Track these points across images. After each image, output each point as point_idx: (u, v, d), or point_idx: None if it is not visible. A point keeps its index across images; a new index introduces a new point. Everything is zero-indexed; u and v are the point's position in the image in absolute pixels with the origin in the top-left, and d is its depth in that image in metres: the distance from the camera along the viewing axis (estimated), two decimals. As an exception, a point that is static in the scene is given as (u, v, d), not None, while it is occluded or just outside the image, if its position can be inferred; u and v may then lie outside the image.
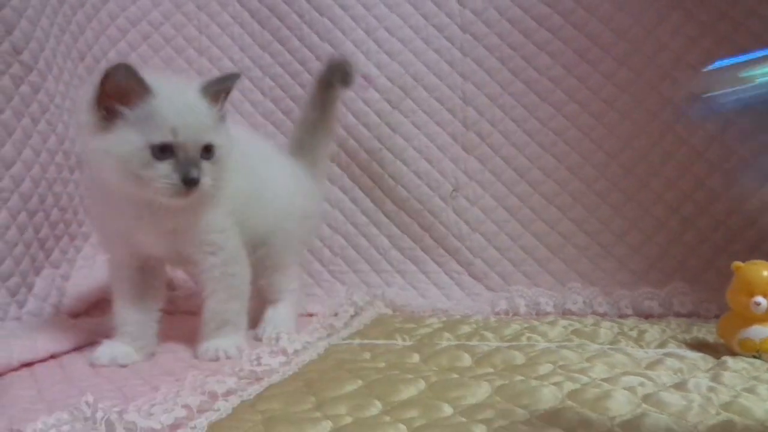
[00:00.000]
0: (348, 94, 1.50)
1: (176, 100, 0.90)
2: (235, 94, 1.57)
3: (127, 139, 0.87)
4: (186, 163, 0.89)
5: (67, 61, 1.36)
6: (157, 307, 1.07)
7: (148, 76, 0.89)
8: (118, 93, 0.87)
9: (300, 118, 1.35)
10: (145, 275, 1.05)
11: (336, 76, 1.27)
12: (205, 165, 0.92)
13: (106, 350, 1.01)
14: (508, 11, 1.46)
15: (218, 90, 0.96)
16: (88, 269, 1.41)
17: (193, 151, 0.90)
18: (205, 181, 0.91)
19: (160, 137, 0.87)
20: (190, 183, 0.89)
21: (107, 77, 0.86)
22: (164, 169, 0.88)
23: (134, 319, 1.03)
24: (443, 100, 1.49)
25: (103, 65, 1.40)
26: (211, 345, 1.02)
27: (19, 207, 1.18)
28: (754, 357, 0.88)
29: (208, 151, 0.93)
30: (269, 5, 1.57)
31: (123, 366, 0.98)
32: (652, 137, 1.37)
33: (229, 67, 1.59)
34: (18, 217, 1.18)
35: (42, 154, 1.24)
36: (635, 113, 1.38)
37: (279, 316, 1.16)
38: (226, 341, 1.02)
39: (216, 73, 1.56)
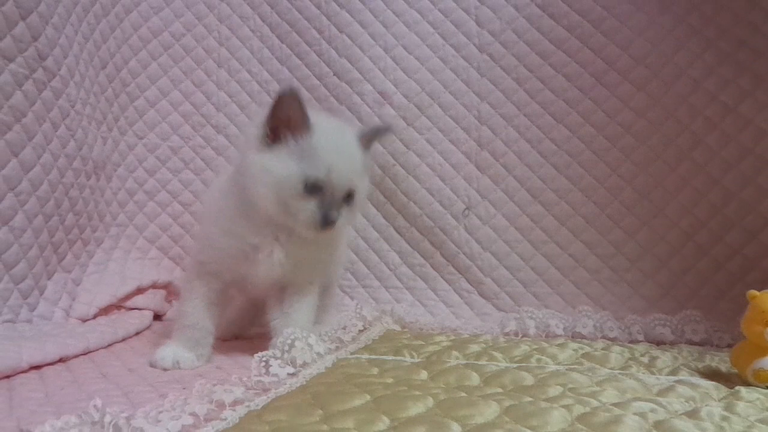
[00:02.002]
0: (364, 110, 1.52)
1: (335, 141, 0.97)
2: (252, 108, 1.60)
3: (286, 165, 0.94)
4: (330, 204, 0.96)
5: (89, 68, 1.38)
6: (218, 320, 1.09)
7: (311, 111, 0.96)
8: (286, 119, 0.94)
9: None
10: (219, 290, 1.08)
11: None
12: (344, 209, 0.99)
13: (169, 353, 1.03)
14: (526, 33, 1.47)
15: (371, 139, 1.05)
16: (100, 275, 1.42)
17: (339, 194, 0.97)
18: (340, 223, 0.98)
19: (315, 173, 0.94)
20: (329, 224, 0.96)
21: (279, 101, 0.93)
22: (311, 205, 0.96)
23: (202, 327, 1.05)
24: (458, 118, 1.50)
25: (124, 73, 1.42)
26: None
27: (35, 210, 1.19)
28: (768, 388, 0.86)
29: (350, 196, 1.00)
30: (289, 20, 1.59)
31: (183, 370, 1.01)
32: (668, 163, 1.37)
33: (246, 79, 1.61)
34: (34, 220, 1.19)
35: (60, 158, 1.26)
36: (651, 139, 1.38)
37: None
38: None
39: (235, 86, 1.60)
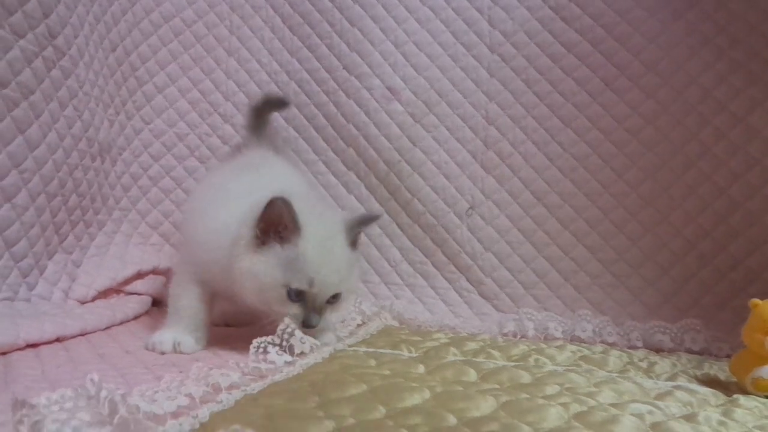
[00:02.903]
0: (372, 105, 1.52)
1: (321, 251, 0.97)
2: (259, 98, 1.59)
3: (272, 272, 0.96)
4: (312, 311, 0.98)
5: (99, 50, 1.38)
6: (213, 310, 1.11)
7: (301, 208, 0.96)
8: (276, 224, 0.96)
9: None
10: (212, 291, 1.08)
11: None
12: (328, 309, 1.01)
13: (168, 336, 1.03)
14: (538, 35, 1.46)
15: (359, 230, 1.05)
16: (100, 258, 1.42)
17: (321, 300, 0.99)
18: (324, 326, 1.01)
19: (298, 284, 0.96)
20: (309, 327, 0.98)
21: (271, 206, 0.94)
22: (293, 309, 0.97)
23: (198, 316, 1.06)
24: (466, 117, 1.49)
25: (134, 57, 1.43)
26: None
27: (39, 189, 1.19)
28: (767, 397, 0.86)
29: (334, 297, 1.01)
30: (301, 12, 1.59)
31: (183, 354, 1.02)
32: (674, 171, 1.36)
33: (256, 69, 1.60)
34: (37, 199, 1.19)
35: (66, 138, 1.26)
36: (659, 146, 1.37)
37: None
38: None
39: (244, 75, 1.60)
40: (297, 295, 0.97)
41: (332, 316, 1.03)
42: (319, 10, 1.58)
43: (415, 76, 1.52)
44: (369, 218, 1.11)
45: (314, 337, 1.00)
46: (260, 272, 0.96)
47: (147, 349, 1.04)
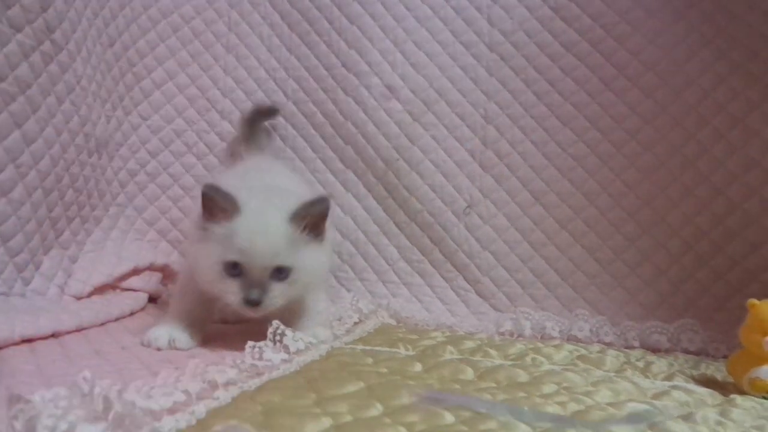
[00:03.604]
0: (370, 103, 1.51)
1: (255, 223, 0.98)
2: (258, 95, 1.59)
3: (209, 252, 0.98)
4: (251, 283, 0.97)
5: (97, 45, 1.37)
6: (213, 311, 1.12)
7: (244, 195, 0.99)
8: (209, 210, 0.98)
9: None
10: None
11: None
12: (276, 285, 0.99)
13: (163, 332, 1.03)
14: (538, 35, 1.46)
15: (305, 215, 1.01)
16: (97, 254, 1.41)
17: (260, 273, 0.98)
18: (272, 300, 0.98)
19: (231, 255, 0.97)
20: (250, 303, 0.97)
21: (202, 197, 0.98)
22: (233, 285, 0.98)
23: (197, 314, 1.07)
24: (465, 116, 1.49)
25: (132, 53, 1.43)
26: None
27: (35, 184, 1.18)
28: (764, 398, 0.86)
29: (280, 272, 0.99)
30: (300, 9, 1.59)
31: (179, 350, 1.02)
32: (672, 171, 1.36)
33: (254, 66, 1.60)
34: (33, 194, 1.18)
35: (63, 133, 1.25)
36: (657, 146, 1.37)
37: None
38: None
39: (242, 72, 1.59)
40: (234, 269, 0.97)
41: (288, 291, 1.00)
42: (318, 7, 1.57)
43: (413, 75, 1.51)
44: (317, 201, 1.03)
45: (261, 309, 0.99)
46: (200, 254, 1.00)
47: (143, 344, 1.03)
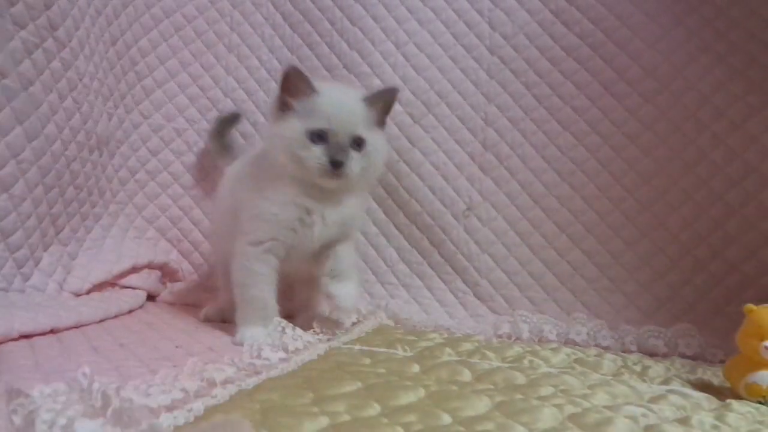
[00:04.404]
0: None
1: (335, 98, 1.09)
2: (260, 95, 1.60)
3: (292, 126, 1.06)
4: (335, 148, 1.05)
5: (99, 43, 1.37)
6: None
7: (318, 81, 1.08)
8: (290, 90, 1.07)
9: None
10: (276, 268, 1.12)
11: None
12: (354, 155, 1.07)
13: (248, 334, 1.06)
14: (538, 38, 1.47)
15: (377, 100, 1.12)
16: (96, 251, 1.42)
17: (344, 139, 1.06)
18: (352, 167, 1.06)
19: (316, 123, 1.05)
20: (336, 165, 1.04)
21: (284, 76, 1.07)
22: (317, 151, 1.05)
23: (271, 306, 1.10)
24: (465, 119, 1.49)
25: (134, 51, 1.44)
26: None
27: (36, 180, 1.19)
28: (760, 403, 0.86)
29: (358, 144, 1.08)
30: (302, 10, 1.59)
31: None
32: (671, 176, 1.36)
33: (256, 66, 1.60)
34: (34, 190, 1.19)
35: (65, 130, 1.25)
36: (656, 151, 1.37)
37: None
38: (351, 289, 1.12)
39: (244, 72, 1.60)
40: (318, 137, 1.05)
41: (362, 163, 1.07)
42: (320, 8, 1.58)
43: (415, 77, 1.52)
44: (384, 91, 1.15)
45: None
46: (283, 129, 1.07)
47: (235, 344, 1.06)
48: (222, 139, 1.51)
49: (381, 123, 1.14)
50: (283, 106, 1.08)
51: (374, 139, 1.11)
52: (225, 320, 1.26)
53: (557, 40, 1.46)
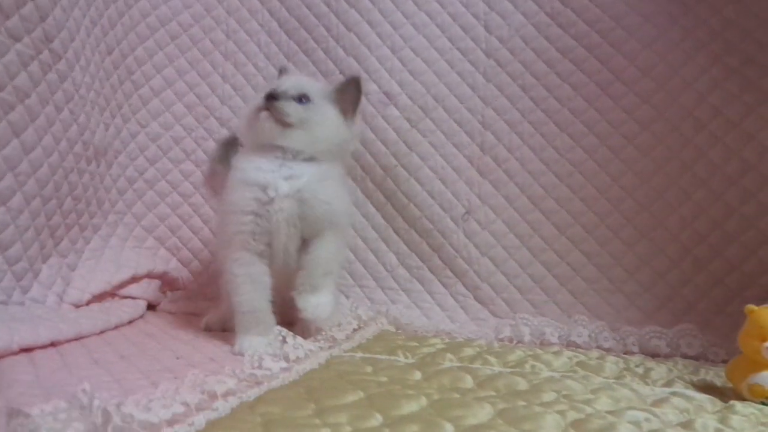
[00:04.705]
0: (368, 110, 1.52)
1: (293, 75, 1.22)
2: (257, 100, 1.59)
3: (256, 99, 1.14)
4: (273, 90, 1.09)
5: (95, 53, 1.37)
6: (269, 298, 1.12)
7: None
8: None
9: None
10: (258, 268, 1.11)
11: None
12: (293, 103, 1.10)
13: (246, 344, 1.05)
14: (534, 41, 1.46)
15: (340, 88, 1.16)
16: (95, 261, 1.41)
17: (285, 89, 1.10)
18: (287, 107, 1.08)
19: (268, 88, 1.11)
20: (269, 98, 1.08)
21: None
22: (259, 98, 1.11)
23: (260, 309, 1.09)
24: (462, 122, 1.49)
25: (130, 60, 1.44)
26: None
27: (34, 192, 1.19)
28: (763, 404, 0.86)
29: (302, 100, 1.11)
30: (298, 16, 1.59)
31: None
32: (670, 176, 1.36)
33: (252, 73, 1.60)
34: (32, 202, 1.19)
35: (62, 142, 1.25)
36: (654, 151, 1.37)
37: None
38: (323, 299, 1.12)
39: (241, 79, 1.60)
40: (268, 99, 1.09)
41: (304, 114, 1.10)
42: (316, 14, 1.58)
43: (411, 81, 1.52)
44: (350, 80, 1.18)
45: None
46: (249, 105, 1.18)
47: (234, 354, 1.06)
48: (226, 161, 1.48)
49: (345, 111, 1.16)
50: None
51: (327, 109, 1.13)
52: (226, 329, 1.26)
53: (553, 43, 1.46)
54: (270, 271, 1.12)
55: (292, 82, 1.13)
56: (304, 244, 1.12)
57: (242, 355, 0.99)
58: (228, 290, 1.12)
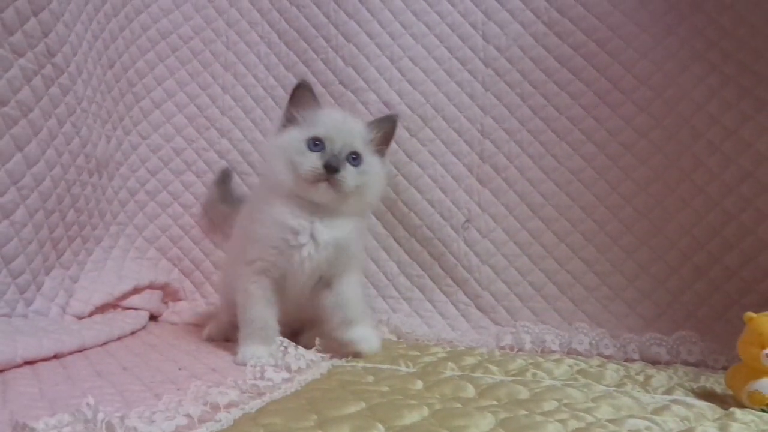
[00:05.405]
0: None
1: (337, 113, 1.17)
2: (257, 113, 1.61)
3: (292, 135, 1.10)
4: (331, 155, 1.07)
5: (97, 67, 1.38)
6: (277, 314, 1.13)
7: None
8: (296, 102, 1.12)
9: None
10: (272, 289, 1.12)
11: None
12: (350, 168, 1.09)
13: (248, 353, 1.05)
14: (532, 50, 1.48)
15: (377, 126, 1.15)
16: (98, 273, 1.42)
17: (340, 149, 1.08)
18: (347, 177, 1.07)
19: (315, 131, 1.09)
20: (330, 170, 1.06)
21: (294, 88, 1.13)
22: (313, 157, 1.07)
23: (270, 326, 1.10)
24: (462, 131, 1.50)
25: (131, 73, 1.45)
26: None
27: (37, 205, 1.19)
28: (763, 411, 0.86)
29: (355, 159, 1.10)
30: (297, 27, 1.61)
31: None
32: (668, 184, 1.37)
33: (252, 84, 1.62)
34: (35, 215, 1.19)
35: (64, 155, 1.26)
36: (652, 159, 1.38)
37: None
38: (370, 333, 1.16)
39: (241, 90, 1.61)
40: (315, 144, 1.08)
41: (358, 178, 1.09)
42: (315, 25, 1.59)
43: (410, 91, 1.53)
44: (387, 117, 1.19)
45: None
46: (283, 139, 1.10)
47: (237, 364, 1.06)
48: (227, 189, 1.50)
49: (381, 152, 1.16)
50: (288, 120, 1.12)
51: (373, 161, 1.13)
52: (228, 339, 1.26)
53: (551, 51, 1.47)
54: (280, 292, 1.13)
55: (344, 139, 1.09)
56: (324, 281, 1.14)
57: (244, 364, 0.99)
58: (238, 303, 1.12)
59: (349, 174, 1.07)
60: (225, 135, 1.61)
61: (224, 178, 1.51)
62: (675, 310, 1.34)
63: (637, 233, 1.38)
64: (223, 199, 1.47)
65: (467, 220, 1.48)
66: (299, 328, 1.23)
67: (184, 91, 1.62)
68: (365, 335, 1.13)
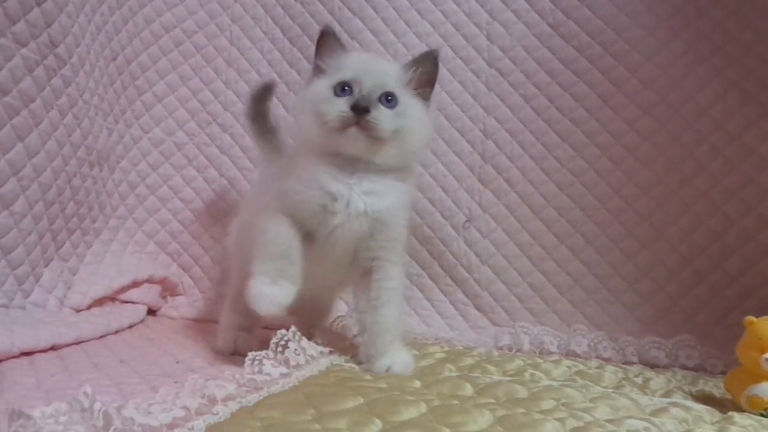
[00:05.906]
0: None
1: (365, 55, 1.07)
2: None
3: (319, 84, 0.99)
4: (359, 96, 0.94)
5: (100, 59, 1.38)
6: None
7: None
8: (322, 51, 1.02)
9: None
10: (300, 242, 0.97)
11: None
12: (383, 109, 0.95)
13: (256, 290, 0.91)
14: (536, 51, 1.47)
15: (415, 65, 1.00)
16: (96, 266, 1.42)
17: (370, 89, 0.95)
18: (381, 119, 0.93)
19: (342, 76, 0.97)
20: (358, 110, 0.92)
21: (318, 37, 1.03)
22: (339, 102, 0.94)
23: (294, 257, 0.95)
24: (464, 131, 1.50)
25: (134, 66, 1.44)
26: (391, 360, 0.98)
27: (37, 196, 1.19)
28: (761, 415, 0.86)
29: (390, 100, 0.96)
30: (301, 24, 1.60)
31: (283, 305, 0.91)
32: (670, 187, 1.37)
33: (255, 80, 1.61)
34: (35, 206, 1.19)
35: (65, 146, 1.26)
36: (655, 162, 1.38)
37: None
38: (405, 356, 1.00)
39: (243, 86, 1.60)
40: (343, 90, 0.95)
41: (394, 121, 0.94)
42: (319, 22, 1.59)
43: (414, 90, 1.52)
44: (426, 53, 1.03)
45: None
46: (310, 90, 1.00)
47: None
48: (263, 121, 1.31)
49: (425, 96, 1.01)
50: (316, 73, 1.02)
51: (412, 103, 0.99)
52: (234, 353, 1.12)
53: (555, 53, 1.46)
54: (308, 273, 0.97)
55: (374, 79, 0.96)
56: (359, 265, 1.02)
57: (251, 302, 0.90)
58: (258, 230, 0.98)
59: (382, 115, 0.93)
60: (227, 130, 1.61)
61: (263, 94, 1.34)
62: (674, 314, 1.34)
63: (638, 236, 1.38)
64: (256, 117, 1.31)
65: (468, 220, 1.47)
66: (306, 326, 1.13)
67: (187, 86, 1.61)
68: (404, 360, 0.99)
